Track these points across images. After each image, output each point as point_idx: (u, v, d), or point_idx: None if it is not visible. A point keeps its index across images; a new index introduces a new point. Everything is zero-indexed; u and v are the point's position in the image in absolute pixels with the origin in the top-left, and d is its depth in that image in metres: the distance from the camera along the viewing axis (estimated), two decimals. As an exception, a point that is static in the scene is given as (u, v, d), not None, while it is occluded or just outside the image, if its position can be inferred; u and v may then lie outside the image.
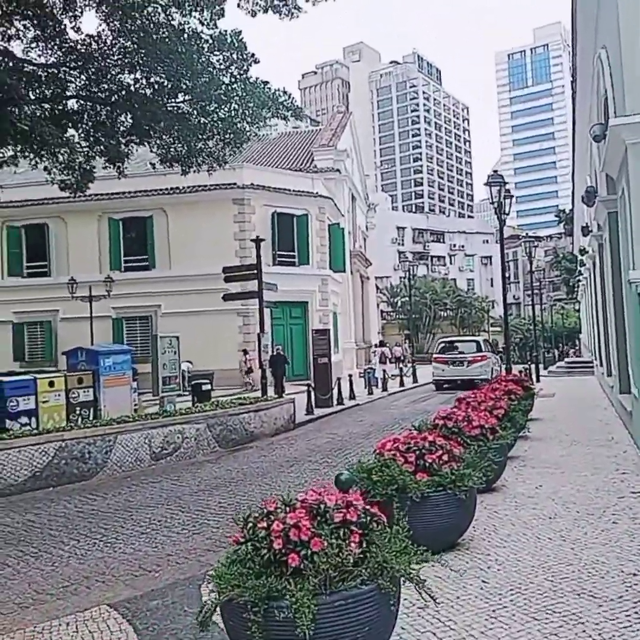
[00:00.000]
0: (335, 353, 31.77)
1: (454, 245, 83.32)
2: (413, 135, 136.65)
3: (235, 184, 27.23)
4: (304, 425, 14.28)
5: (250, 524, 3.30)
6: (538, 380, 23.87)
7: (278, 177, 28.75)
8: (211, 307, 24.48)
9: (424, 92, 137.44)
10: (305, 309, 29.27)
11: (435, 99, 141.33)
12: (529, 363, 27.95)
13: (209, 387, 15.85)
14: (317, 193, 29.39)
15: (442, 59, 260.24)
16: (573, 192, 29.21)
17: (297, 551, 3.03)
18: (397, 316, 62.04)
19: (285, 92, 15.63)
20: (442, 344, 23.89)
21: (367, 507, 3.34)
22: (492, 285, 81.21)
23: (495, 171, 14.33)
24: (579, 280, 32.79)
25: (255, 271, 14.33)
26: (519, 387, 10.91)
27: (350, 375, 19.72)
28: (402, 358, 37.74)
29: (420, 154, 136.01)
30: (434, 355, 23.22)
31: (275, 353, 21.94)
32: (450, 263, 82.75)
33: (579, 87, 14.75)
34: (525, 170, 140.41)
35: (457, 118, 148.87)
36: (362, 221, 47.32)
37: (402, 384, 24.21)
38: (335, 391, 17.62)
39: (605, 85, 9.82)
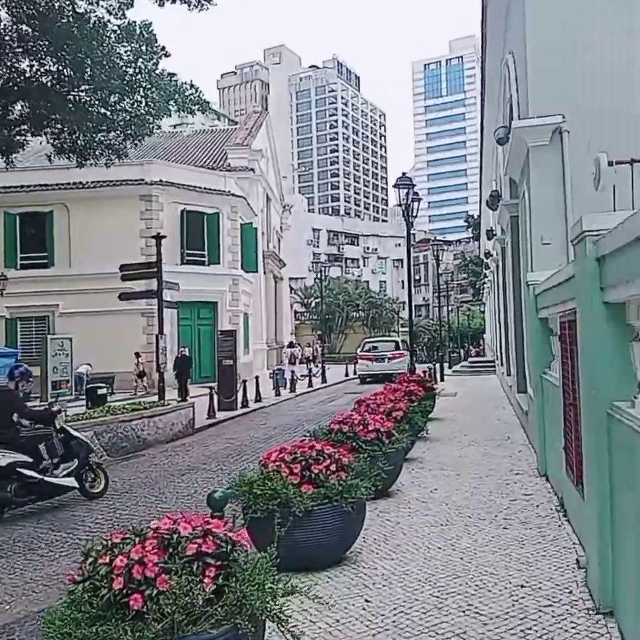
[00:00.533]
0: (246, 354, 31.33)
1: (368, 248, 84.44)
2: (331, 139, 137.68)
3: (142, 180, 26.23)
4: (205, 429, 13.73)
5: (91, 559, 2.84)
6: (442, 380, 24.28)
7: (188, 174, 27.93)
8: (113, 307, 23.16)
9: (342, 97, 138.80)
10: (215, 310, 28.58)
11: (353, 105, 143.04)
12: (434, 362, 28.49)
13: (105, 391, 14.98)
14: (229, 191, 28.77)
15: (361, 65, 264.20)
16: (480, 198, 30.09)
17: (142, 591, 2.61)
18: (311, 317, 62.07)
19: (192, 86, 15.05)
20: (368, 344, 27.89)
21: (230, 534, 2.94)
22: (403, 288, 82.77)
23: (404, 173, 14.33)
24: (484, 283, 33.78)
25: (155, 269, 13.61)
26: (420, 387, 10.86)
27: (257, 377, 19.28)
28: (311, 358, 37.67)
29: (338, 157, 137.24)
30: (360, 354, 27.33)
31: (180, 355, 21.24)
32: (364, 265, 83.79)
33: (487, 93, 15.06)
34: (438, 176, 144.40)
35: (374, 124, 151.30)
36: (276, 222, 46.95)
37: (310, 384, 24.01)
38: (240, 393, 17.14)
39: (510, 90, 9.94)
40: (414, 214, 14.74)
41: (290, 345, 25.45)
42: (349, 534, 4.89)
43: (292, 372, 22.36)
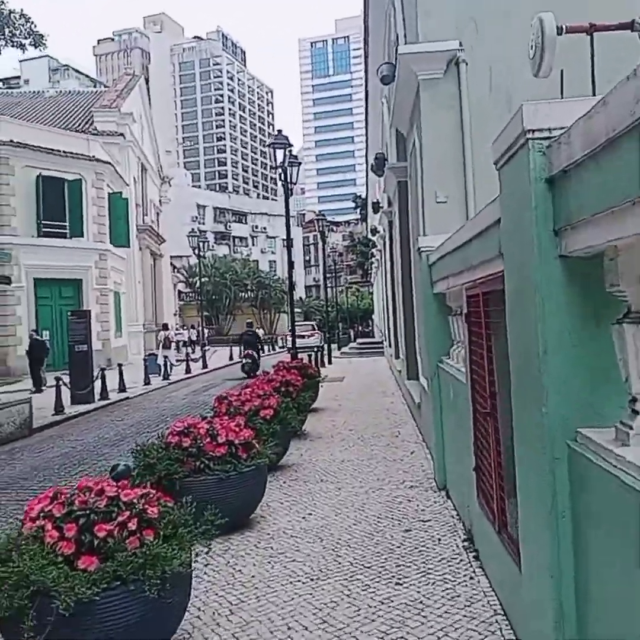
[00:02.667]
0: (118, 337, 28.60)
1: (257, 227, 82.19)
2: (217, 114, 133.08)
3: (-11, 139, 22.77)
4: (46, 429, 11.44)
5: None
6: (330, 363, 23.03)
7: (46, 136, 24.67)
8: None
9: (228, 71, 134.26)
10: (79, 288, 25.66)
11: (239, 79, 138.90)
12: (321, 345, 27.26)
13: None
14: (93, 156, 25.78)
15: (248, 40, 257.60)
16: (367, 174, 29.03)
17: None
18: (196, 297, 59.30)
19: (23, 16, 12.45)
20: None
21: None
22: (293, 268, 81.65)
23: (279, 131, 12.57)
24: (371, 263, 32.95)
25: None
26: (299, 377, 9.27)
27: (120, 365, 16.97)
28: (192, 341, 35.55)
29: (224, 133, 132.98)
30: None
31: (32, 339, 18.54)
32: (253, 245, 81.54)
33: (371, 46, 13.58)
34: (326, 157, 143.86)
35: (262, 101, 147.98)
36: (154, 195, 43.81)
37: (188, 370, 21.92)
38: (100, 383, 14.87)
39: (396, 23, 8.40)
40: (294, 180, 13.09)
41: (164, 327, 23.15)
42: (157, 633, 3.13)
43: (165, 357, 20.15)
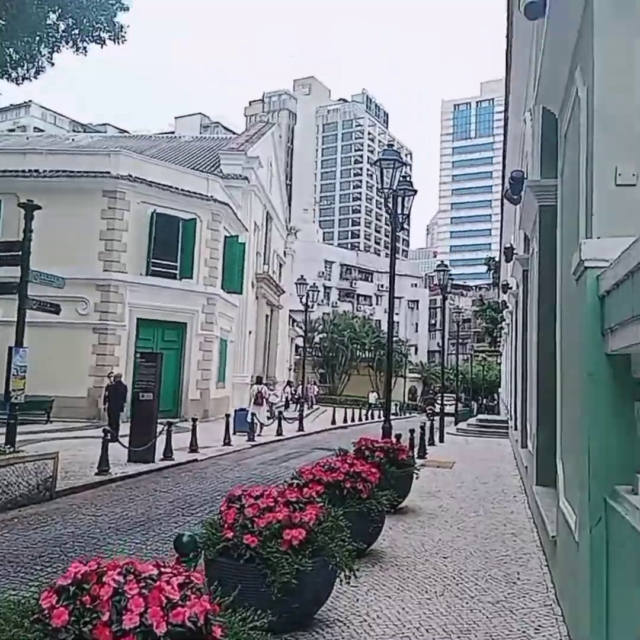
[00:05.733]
0: (220, 388, 27.02)
1: (382, 286, 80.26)
2: (355, 175, 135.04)
3: (108, 172, 22.47)
4: (76, 492, 9.37)
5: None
6: (441, 441, 19.72)
7: (164, 172, 24.10)
8: (55, 318, 19.36)
9: (369, 133, 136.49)
10: (184, 332, 24.40)
11: (380, 141, 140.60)
12: (431, 417, 23.94)
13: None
14: (211, 196, 24.86)
15: (390, 102, 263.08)
16: (500, 244, 26.68)
17: None
18: (313, 353, 57.78)
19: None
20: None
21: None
22: (416, 331, 78.49)
23: (390, 146, 10.21)
24: (502, 329, 29.43)
25: (19, 252, 9.38)
26: (376, 470, 6.46)
27: (194, 419, 14.87)
28: (297, 399, 33.43)
29: (360, 194, 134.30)
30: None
31: (114, 382, 17.07)
32: (377, 303, 79.47)
33: (509, 145, 12.26)
34: (462, 220, 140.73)
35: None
36: (279, 246, 43.05)
37: (279, 432, 19.55)
38: (165, 439, 12.84)
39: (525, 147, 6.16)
40: (405, 212, 10.58)
41: (259, 380, 21.10)
42: None
43: (253, 415, 17.90)
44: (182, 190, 23.87)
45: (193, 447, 14.07)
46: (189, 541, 3.34)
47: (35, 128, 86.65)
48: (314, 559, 4.06)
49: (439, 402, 29.08)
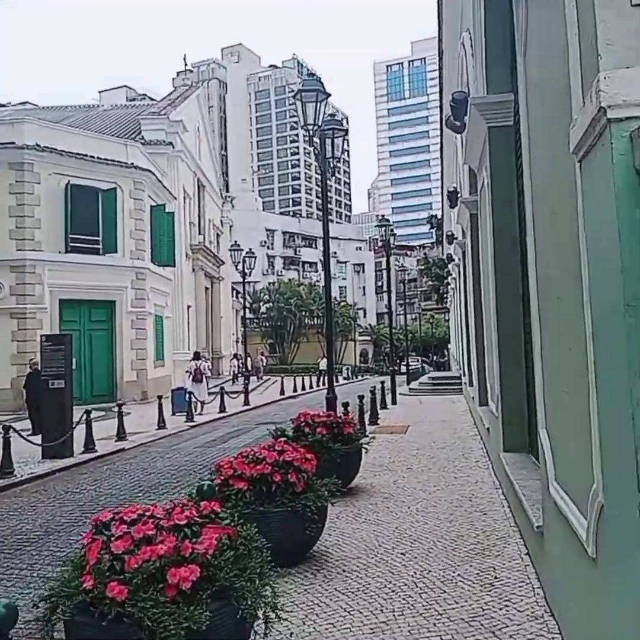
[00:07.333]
0: (160, 367, 25.47)
1: (326, 251, 79.08)
2: (291, 141, 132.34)
3: (13, 142, 20.32)
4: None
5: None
6: (394, 403, 18.81)
7: (77, 140, 22.07)
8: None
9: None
10: (113, 310, 22.68)
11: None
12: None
13: None
14: (132, 163, 22.96)
15: (323, 67, 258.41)
16: (442, 200, 25.73)
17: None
18: (260, 323, 56.41)
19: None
20: None
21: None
22: (364, 294, 77.85)
23: (311, 75, 8.88)
24: (448, 285, 28.70)
25: None
26: (311, 456, 5.25)
27: (120, 405, 13.37)
28: (236, 372, 32.25)
29: (299, 160, 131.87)
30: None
31: (31, 369, 15.40)
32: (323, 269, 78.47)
33: (445, 82, 10.94)
34: (402, 181, 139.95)
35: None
36: (214, 215, 41.16)
37: (222, 408, 18.24)
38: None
39: (466, 69, 4.88)
40: (335, 155, 9.28)
41: (196, 356, 19.69)
42: None
43: (190, 394, 16.49)
44: (98, 158, 21.91)
45: (120, 435, 12.66)
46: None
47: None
48: (216, 603, 2.83)
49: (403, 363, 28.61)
